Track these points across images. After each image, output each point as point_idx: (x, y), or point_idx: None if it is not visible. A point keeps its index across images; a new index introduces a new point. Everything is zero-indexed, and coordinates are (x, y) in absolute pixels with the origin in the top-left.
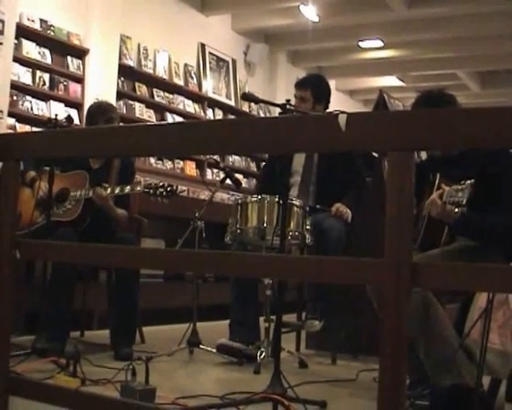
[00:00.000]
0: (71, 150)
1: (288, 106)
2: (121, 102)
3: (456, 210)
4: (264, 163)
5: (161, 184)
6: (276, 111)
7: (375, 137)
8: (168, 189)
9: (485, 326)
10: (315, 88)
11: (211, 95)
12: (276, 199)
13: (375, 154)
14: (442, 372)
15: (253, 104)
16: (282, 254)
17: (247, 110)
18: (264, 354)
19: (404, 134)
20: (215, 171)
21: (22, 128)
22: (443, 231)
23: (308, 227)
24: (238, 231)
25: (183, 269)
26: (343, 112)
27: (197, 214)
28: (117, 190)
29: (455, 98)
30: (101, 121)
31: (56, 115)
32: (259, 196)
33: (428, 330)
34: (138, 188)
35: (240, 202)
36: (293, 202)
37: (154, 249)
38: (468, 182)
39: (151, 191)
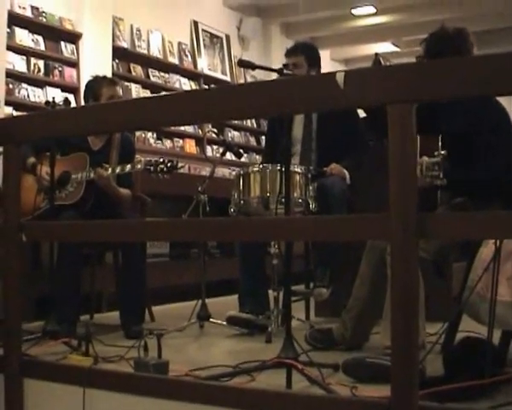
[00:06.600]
0: (71, 128)
1: (285, 70)
2: None
3: (439, 182)
4: (264, 138)
5: (161, 160)
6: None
7: (374, 91)
8: (168, 164)
9: (493, 277)
10: (308, 53)
11: (206, 72)
12: (278, 167)
13: None
14: None
15: (248, 78)
16: (288, 216)
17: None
18: (274, 323)
19: (403, 86)
20: (215, 147)
21: None
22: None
23: (311, 194)
24: (241, 202)
25: (191, 238)
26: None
27: (200, 188)
28: (118, 170)
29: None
30: (105, 85)
31: (54, 98)
32: (261, 166)
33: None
34: (139, 166)
35: (242, 173)
36: (295, 169)
37: (160, 220)
38: (442, 153)
39: (152, 168)
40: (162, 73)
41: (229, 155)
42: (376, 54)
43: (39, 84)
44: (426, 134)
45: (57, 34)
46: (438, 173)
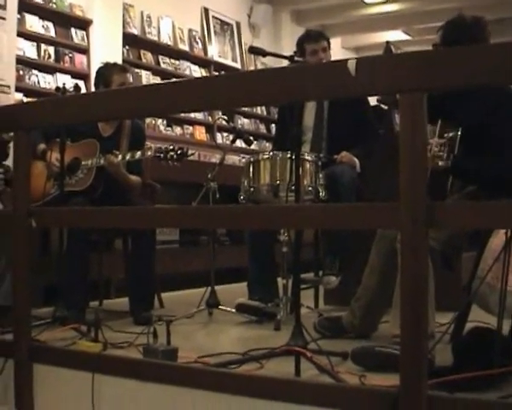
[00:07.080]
0: (82, 115)
1: (295, 58)
2: None
3: (440, 163)
4: (274, 125)
5: (172, 147)
6: None
7: (386, 79)
8: (179, 151)
9: (503, 267)
10: (328, 38)
11: (217, 59)
12: (288, 155)
13: (384, 106)
14: None
15: (259, 65)
16: (298, 204)
17: None
18: (283, 311)
19: (414, 75)
20: (225, 134)
21: None
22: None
23: (321, 182)
24: (251, 189)
25: (201, 225)
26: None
27: (209, 175)
28: (128, 156)
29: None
30: (116, 72)
31: (64, 84)
32: (271, 153)
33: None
34: (149, 153)
35: (252, 160)
36: (305, 156)
37: (170, 207)
38: (451, 135)
39: (162, 155)
40: (172, 60)
41: (239, 143)
42: (387, 42)
43: (49, 70)
44: (444, 121)
45: (67, 20)
46: (442, 154)
